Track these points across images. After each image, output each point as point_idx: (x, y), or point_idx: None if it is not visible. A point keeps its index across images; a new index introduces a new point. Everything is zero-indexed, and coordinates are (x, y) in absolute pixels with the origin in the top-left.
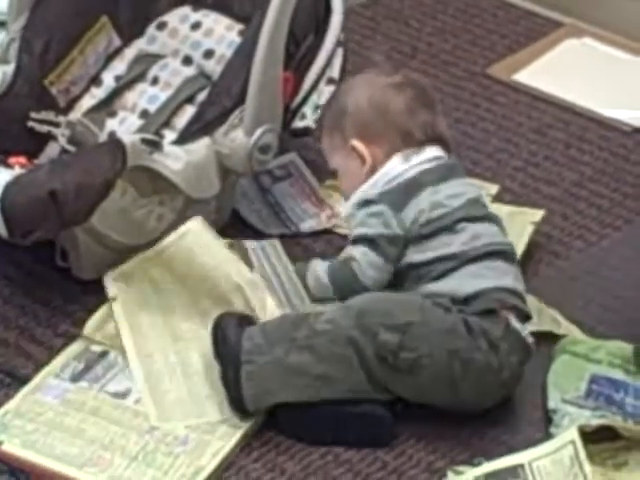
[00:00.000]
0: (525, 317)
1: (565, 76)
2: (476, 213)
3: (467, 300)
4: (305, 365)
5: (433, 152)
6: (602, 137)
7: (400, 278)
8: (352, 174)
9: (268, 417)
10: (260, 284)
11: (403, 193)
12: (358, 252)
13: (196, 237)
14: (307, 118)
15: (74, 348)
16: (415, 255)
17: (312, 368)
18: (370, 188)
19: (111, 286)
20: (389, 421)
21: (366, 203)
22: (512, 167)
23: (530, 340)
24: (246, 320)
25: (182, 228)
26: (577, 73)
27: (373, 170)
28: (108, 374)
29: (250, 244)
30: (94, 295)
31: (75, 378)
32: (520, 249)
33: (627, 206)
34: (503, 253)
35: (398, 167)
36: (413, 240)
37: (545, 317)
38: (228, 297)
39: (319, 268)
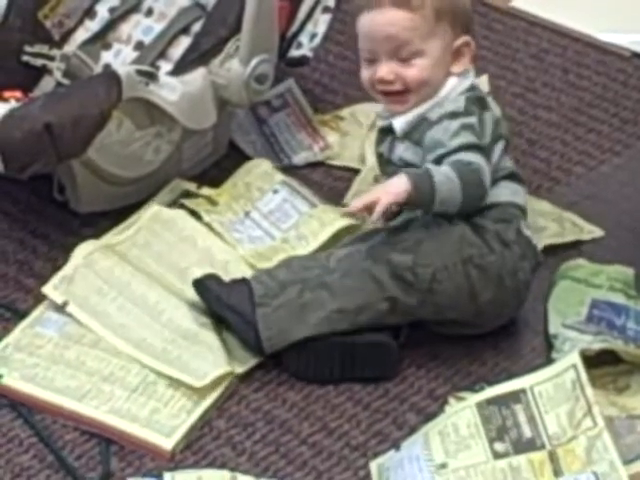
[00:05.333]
0: None
1: (562, 1)
2: (498, 136)
3: (482, 211)
4: (320, 301)
5: None
6: (600, 62)
7: None
8: (442, 68)
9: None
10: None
11: (479, 107)
12: (475, 158)
13: (149, 227)
14: (303, 47)
15: None
16: None
17: (328, 304)
18: (448, 94)
19: (56, 295)
20: (394, 349)
21: (455, 115)
22: (510, 94)
23: (539, 250)
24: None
25: (136, 224)
26: None
27: (463, 73)
28: None
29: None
30: (92, 228)
31: None
32: None
33: (626, 131)
34: (517, 176)
35: (468, 80)
36: None
37: (566, 223)
38: (189, 272)
39: (443, 170)
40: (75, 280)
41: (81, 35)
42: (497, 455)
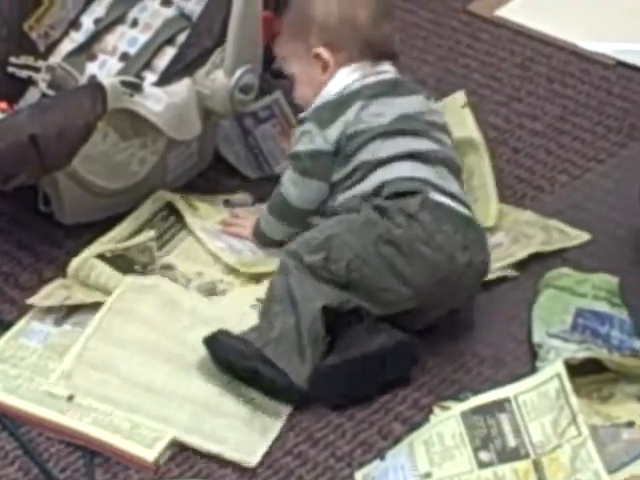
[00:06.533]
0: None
1: (547, 10)
2: (401, 127)
3: (376, 192)
4: (298, 317)
5: (383, 67)
6: (584, 71)
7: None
8: (312, 81)
9: None
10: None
11: (333, 110)
12: (285, 175)
13: (129, 308)
14: None
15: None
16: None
17: (316, 302)
18: (322, 98)
19: (59, 390)
20: (415, 343)
21: (300, 121)
22: (495, 102)
23: (467, 213)
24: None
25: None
26: (559, 7)
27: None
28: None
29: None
30: (77, 239)
31: (58, 322)
32: (472, 133)
33: (610, 139)
34: (424, 157)
35: (345, 79)
36: (339, 159)
37: (553, 232)
38: (182, 335)
39: (265, 214)
40: (73, 375)
41: (66, 46)
42: (482, 464)
